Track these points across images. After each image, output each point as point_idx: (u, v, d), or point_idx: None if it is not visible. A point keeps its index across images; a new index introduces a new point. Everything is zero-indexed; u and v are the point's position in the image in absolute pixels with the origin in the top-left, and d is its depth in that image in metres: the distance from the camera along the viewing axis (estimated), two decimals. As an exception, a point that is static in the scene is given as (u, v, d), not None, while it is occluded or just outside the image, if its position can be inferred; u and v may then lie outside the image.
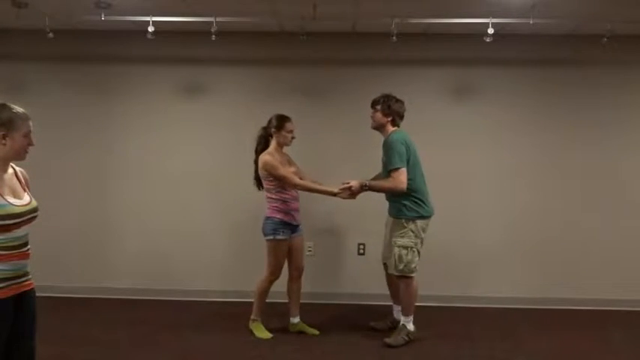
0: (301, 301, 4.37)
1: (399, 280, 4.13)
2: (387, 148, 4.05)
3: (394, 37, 4.38)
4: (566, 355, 3.98)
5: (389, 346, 4.04)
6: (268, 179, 4.10)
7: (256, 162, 4.19)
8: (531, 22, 4.24)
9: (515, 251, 5.09)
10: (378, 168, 4.32)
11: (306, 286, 4.52)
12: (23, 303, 2.41)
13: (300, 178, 4.20)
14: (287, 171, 4.12)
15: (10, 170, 2.44)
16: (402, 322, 4.15)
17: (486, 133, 5.07)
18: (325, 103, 5.10)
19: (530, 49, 4.96)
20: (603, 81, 5.00)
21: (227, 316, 4.67)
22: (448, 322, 4.65)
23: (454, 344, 4.13)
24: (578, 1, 4.01)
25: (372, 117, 4.17)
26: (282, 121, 4.16)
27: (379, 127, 4.17)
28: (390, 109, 4.10)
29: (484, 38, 4.29)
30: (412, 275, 4.07)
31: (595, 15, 4.23)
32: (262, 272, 4.21)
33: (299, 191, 4.21)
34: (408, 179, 3.99)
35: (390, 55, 4.93)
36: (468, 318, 4.66)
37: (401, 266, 4.04)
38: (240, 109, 5.05)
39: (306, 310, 4.49)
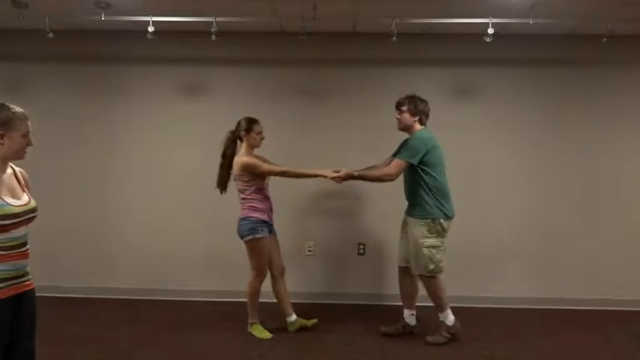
0: (301, 301, 4.37)
1: (423, 281, 4.13)
2: (409, 141, 4.08)
3: (394, 37, 4.38)
4: (568, 356, 3.98)
5: (429, 344, 4.07)
6: (243, 179, 4.10)
7: (222, 166, 4.21)
8: (531, 22, 4.24)
9: (516, 251, 5.08)
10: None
11: (306, 286, 4.52)
12: (23, 303, 2.41)
13: None
14: (268, 165, 4.17)
15: (9, 170, 2.44)
16: (440, 319, 4.15)
17: (486, 133, 5.06)
18: (325, 103, 5.09)
19: (530, 49, 4.95)
20: (603, 81, 4.99)
21: (227, 316, 4.67)
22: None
23: (455, 344, 4.12)
24: (578, 1, 4.01)
25: (399, 118, 4.15)
26: (251, 123, 4.19)
27: (406, 128, 4.16)
28: (416, 108, 4.11)
29: (484, 38, 4.30)
30: (438, 274, 4.08)
31: (595, 15, 4.23)
32: (248, 275, 4.22)
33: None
34: (433, 178, 4.01)
35: (390, 55, 4.93)
36: (469, 318, 4.64)
37: (432, 266, 4.02)
38: (240, 109, 5.00)
39: (306, 310, 4.49)
